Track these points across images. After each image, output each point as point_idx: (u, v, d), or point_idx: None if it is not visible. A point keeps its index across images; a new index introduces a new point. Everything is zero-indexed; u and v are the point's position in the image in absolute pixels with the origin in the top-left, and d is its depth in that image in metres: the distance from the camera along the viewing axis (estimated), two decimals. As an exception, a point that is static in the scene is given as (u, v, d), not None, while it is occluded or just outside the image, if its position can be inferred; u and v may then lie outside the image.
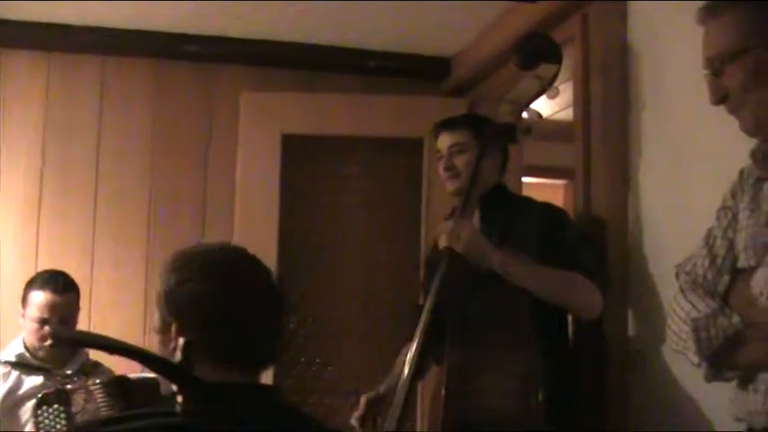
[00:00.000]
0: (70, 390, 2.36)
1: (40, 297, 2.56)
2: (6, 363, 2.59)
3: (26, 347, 2.61)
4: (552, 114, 3.43)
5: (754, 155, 1.43)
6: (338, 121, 3.17)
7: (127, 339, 1.19)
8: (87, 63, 3.22)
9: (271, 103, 3.18)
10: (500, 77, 2.97)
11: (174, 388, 1.17)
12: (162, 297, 1.22)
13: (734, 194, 1.46)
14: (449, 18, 2.94)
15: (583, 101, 2.33)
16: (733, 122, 1.42)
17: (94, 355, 2.64)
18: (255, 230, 3.07)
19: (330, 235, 3.26)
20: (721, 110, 1.43)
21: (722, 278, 1.43)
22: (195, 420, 1.10)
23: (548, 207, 2.16)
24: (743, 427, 1.41)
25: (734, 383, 1.41)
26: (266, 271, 1.26)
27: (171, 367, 1.14)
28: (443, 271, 1.94)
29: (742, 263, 1.40)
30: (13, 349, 2.62)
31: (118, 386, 2.34)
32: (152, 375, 2.25)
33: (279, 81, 3.28)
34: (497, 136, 2.07)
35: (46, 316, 2.55)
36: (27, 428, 2.47)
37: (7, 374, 2.58)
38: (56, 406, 2.33)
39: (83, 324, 2.81)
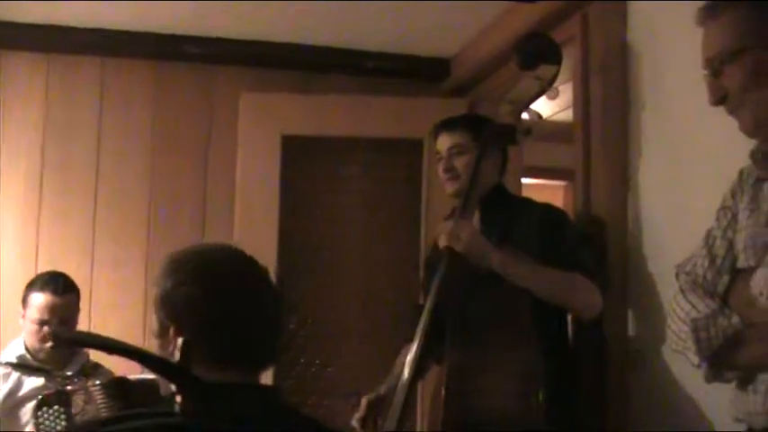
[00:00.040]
0: (70, 391, 2.36)
1: (40, 298, 2.56)
2: (7, 364, 2.60)
3: (26, 349, 2.61)
4: (552, 115, 3.42)
5: (753, 155, 1.43)
6: (338, 122, 3.17)
7: (127, 340, 1.18)
8: (87, 64, 3.22)
9: (270, 104, 3.18)
10: (499, 78, 2.97)
11: (173, 388, 1.17)
12: (158, 301, 1.21)
13: (733, 195, 1.46)
14: (448, 18, 2.94)
15: (582, 101, 2.33)
16: (732, 123, 1.42)
17: (95, 356, 2.64)
18: (255, 231, 3.07)
19: (330, 235, 3.26)
20: (721, 110, 1.43)
21: (722, 278, 1.43)
22: (194, 420, 1.10)
23: (547, 207, 2.16)
24: (743, 427, 1.40)
25: (733, 384, 1.41)
26: (263, 271, 1.25)
27: (170, 367, 1.14)
28: (443, 271, 1.94)
29: (741, 263, 1.40)
30: (14, 350, 2.62)
31: (118, 387, 2.34)
32: (152, 376, 2.26)
33: (278, 82, 3.28)
34: (497, 137, 2.07)
35: (46, 317, 2.55)
36: (27, 429, 2.47)
37: (7, 375, 2.58)
38: (56, 407, 2.34)
39: (83, 325, 2.81)
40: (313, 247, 3.24)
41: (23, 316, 2.60)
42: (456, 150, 2.16)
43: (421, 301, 2.17)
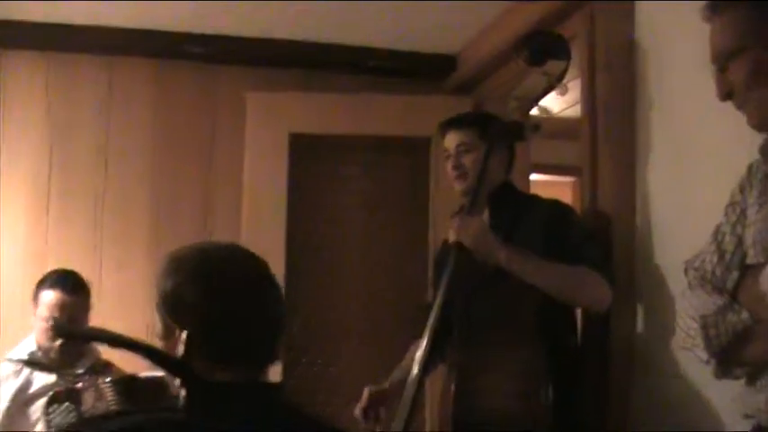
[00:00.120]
0: (81, 388, 2.37)
1: (49, 296, 2.58)
2: (18, 361, 2.61)
3: (37, 346, 2.62)
4: (559, 112, 3.42)
5: (762, 150, 1.43)
6: (343, 120, 3.17)
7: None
8: (89, 64, 3.22)
9: (278, 102, 3.18)
10: (505, 75, 2.97)
11: (178, 383, 1.17)
12: (160, 302, 1.21)
13: (742, 190, 1.46)
14: (453, 16, 2.93)
15: (589, 98, 2.32)
16: (740, 118, 1.42)
17: (105, 355, 2.65)
18: (263, 230, 3.08)
19: (334, 234, 3.27)
20: (728, 105, 1.42)
21: (731, 274, 1.42)
22: (196, 417, 1.10)
23: (555, 204, 2.16)
24: (751, 424, 1.40)
25: (742, 380, 1.40)
26: (264, 268, 1.24)
27: (173, 361, 1.13)
28: (452, 266, 1.95)
29: (751, 259, 1.40)
30: (25, 348, 2.64)
31: (127, 385, 2.34)
32: (161, 374, 2.26)
33: (281, 81, 3.28)
34: (504, 134, 2.07)
35: (55, 315, 2.56)
36: (38, 427, 2.49)
37: (18, 372, 2.60)
38: (66, 404, 2.34)
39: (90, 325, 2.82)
40: (318, 246, 3.24)
41: (34, 314, 2.61)
42: (464, 148, 2.16)
43: (430, 299, 2.18)
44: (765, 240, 1.36)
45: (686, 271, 1.51)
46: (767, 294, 1.34)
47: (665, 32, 2.11)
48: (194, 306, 1.18)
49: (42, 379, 2.59)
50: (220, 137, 3.28)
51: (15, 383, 2.58)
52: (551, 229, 2.05)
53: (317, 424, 1.21)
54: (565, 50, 2.03)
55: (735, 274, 1.42)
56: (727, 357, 1.37)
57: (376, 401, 2.16)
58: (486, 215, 2.11)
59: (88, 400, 2.34)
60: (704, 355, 1.39)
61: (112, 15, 3.04)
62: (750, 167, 1.46)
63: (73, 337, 2.51)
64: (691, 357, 1.45)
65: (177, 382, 1.15)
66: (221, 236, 3.13)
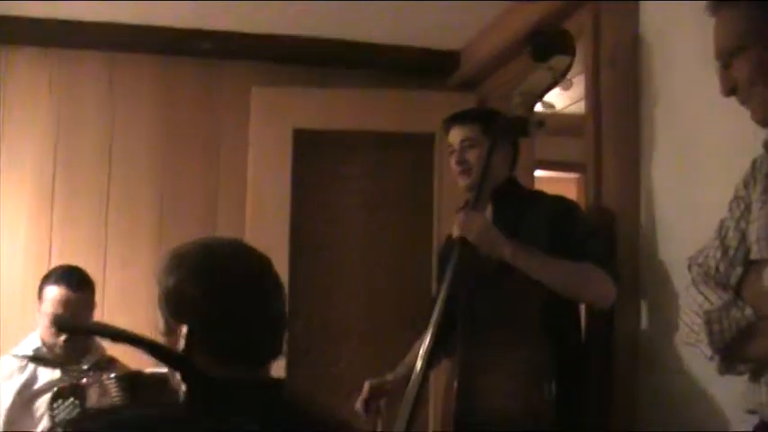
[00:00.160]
0: (85, 384, 2.38)
1: (54, 292, 2.58)
2: (23, 357, 2.62)
3: (42, 342, 2.63)
4: (564, 108, 3.41)
5: (766, 145, 1.42)
6: (348, 115, 3.17)
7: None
8: (94, 60, 3.22)
9: (282, 98, 3.19)
10: (509, 72, 2.96)
11: (178, 377, 1.16)
12: (162, 298, 1.20)
13: (746, 185, 1.46)
14: (457, 12, 2.93)
15: (593, 94, 2.32)
16: (744, 114, 1.42)
17: (110, 351, 2.66)
18: (267, 226, 3.08)
19: (341, 229, 3.26)
20: (733, 101, 1.42)
21: (735, 270, 1.42)
22: (197, 411, 1.10)
23: (559, 199, 2.16)
24: (755, 419, 1.40)
25: (746, 376, 1.40)
26: (266, 263, 1.24)
27: (174, 356, 1.13)
28: (455, 262, 1.95)
29: (755, 254, 1.39)
30: (30, 344, 2.65)
31: (132, 381, 2.35)
32: (166, 370, 2.27)
33: (287, 76, 3.28)
34: (508, 129, 2.07)
35: (60, 311, 2.57)
36: (42, 422, 2.50)
37: (23, 368, 2.61)
38: (71, 400, 2.35)
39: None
40: (321, 242, 3.24)
41: (39, 309, 2.62)
42: (468, 143, 2.16)
43: (435, 294, 2.18)
44: (769, 236, 1.36)
45: (690, 267, 1.51)
46: (771, 290, 1.34)
47: (670, 29, 2.10)
48: (197, 302, 1.17)
49: (47, 375, 2.60)
50: (225, 133, 3.28)
51: (20, 379, 2.59)
52: (556, 225, 2.05)
53: (319, 419, 1.21)
54: (570, 46, 2.03)
55: (738, 270, 1.41)
56: (731, 353, 1.37)
57: (376, 394, 2.17)
58: (489, 211, 2.11)
59: (93, 395, 2.35)
60: (708, 351, 1.39)
61: (116, 12, 3.04)
62: (754, 163, 1.46)
63: (73, 331, 2.51)
64: (695, 353, 1.45)
65: (178, 376, 1.14)
66: (226, 232, 3.13)
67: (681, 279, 1.70)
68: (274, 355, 1.23)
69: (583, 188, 3.62)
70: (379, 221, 3.26)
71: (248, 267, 1.22)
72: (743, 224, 1.43)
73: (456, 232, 1.98)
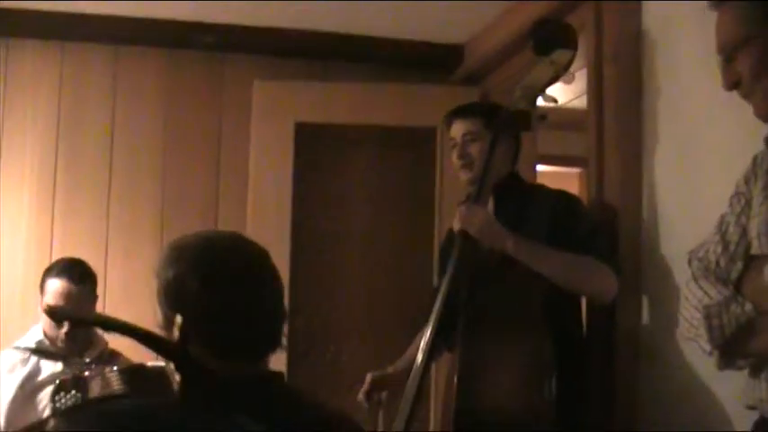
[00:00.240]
0: (88, 377, 2.38)
1: (56, 285, 2.59)
2: (25, 349, 2.63)
3: (45, 335, 2.64)
4: (566, 102, 3.41)
5: (767, 140, 1.42)
6: (350, 109, 3.17)
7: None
8: (97, 53, 3.22)
9: (283, 91, 3.18)
10: (513, 66, 2.96)
11: (173, 367, 1.16)
12: (160, 292, 1.20)
13: (747, 180, 1.45)
14: (461, 6, 2.92)
15: (596, 88, 2.31)
16: (747, 109, 1.42)
17: (113, 344, 2.66)
18: (268, 219, 3.08)
19: (342, 222, 3.26)
20: (735, 96, 1.42)
21: (735, 265, 1.42)
22: (192, 402, 1.10)
23: (561, 194, 2.16)
24: (755, 415, 1.40)
25: (746, 372, 1.40)
26: (265, 256, 1.24)
27: (169, 346, 1.13)
28: (456, 255, 1.95)
29: (755, 250, 1.39)
30: (33, 336, 2.66)
31: (135, 374, 2.35)
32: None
33: (290, 70, 3.28)
34: (510, 123, 2.06)
35: (61, 304, 2.57)
36: (45, 414, 2.50)
37: (26, 360, 2.62)
38: (73, 392, 2.35)
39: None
40: (322, 235, 3.24)
41: (41, 302, 2.63)
42: (470, 137, 2.16)
43: (435, 287, 2.18)
44: (770, 231, 1.36)
45: (690, 261, 1.51)
46: (771, 285, 1.34)
47: (672, 24, 2.09)
48: (196, 294, 1.17)
49: (50, 367, 2.61)
50: (226, 126, 3.28)
51: (23, 372, 2.60)
52: (557, 220, 2.05)
53: (317, 412, 1.21)
54: (572, 40, 2.02)
55: (739, 265, 1.41)
56: (731, 349, 1.37)
57: (378, 386, 2.17)
58: (491, 205, 2.11)
59: (95, 388, 2.35)
60: (707, 347, 1.38)
61: (119, 5, 3.04)
62: (755, 159, 1.46)
63: (66, 321, 2.51)
64: (696, 348, 1.45)
65: (172, 366, 1.14)
66: (227, 224, 3.14)
67: (682, 274, 1.70)
68: (273, 348, 1.23)
69: (585, 183, 3.62)
70: (380, 215, 3.26)
71: (247, 260, 1.23)
72: (743, 219, 1.43)
73: (457, 226, 1.98)
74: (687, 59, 2.02)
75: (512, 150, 2.18)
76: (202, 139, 3.28)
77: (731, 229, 1.44)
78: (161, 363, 2.33)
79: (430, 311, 1.97)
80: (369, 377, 2.19)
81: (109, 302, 2.98)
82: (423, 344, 1.94)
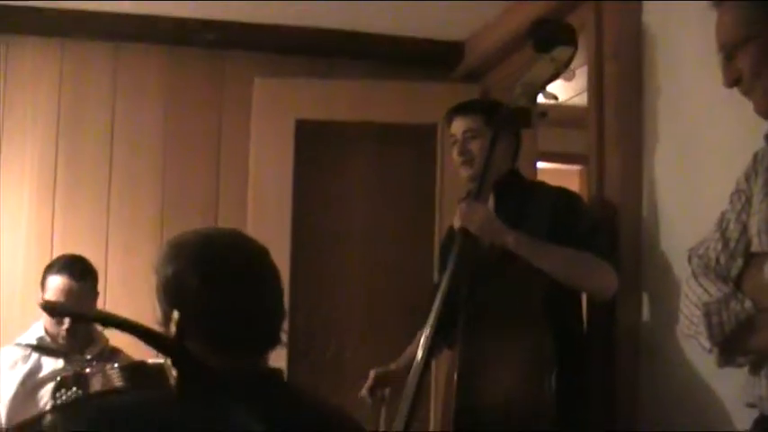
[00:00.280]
0: (88, 374, 2.39)
1: (56, 282, 2.59)
2: (27, 346, 2.63)
3: (46, 332, 2.64)
4: (567, 100, 3.41)
5: (768, 137, 1.42)
6: (351, 106, 3.17)
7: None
8: (99, 50, 3.22)
9: (284, 89, 3.18)
10: (514, 63, 2.96)
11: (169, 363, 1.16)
12: (159, 288, 1.20)
13: (747, 178, 1.45)
14: (462, 3, 2.92)
15: (596, 86, 2.31)
16: (747, 106, 1.41)
17: (114, 341, 2.67)
18: (268, 216, 3.09)
19: (343, 219, 3.26)
20: (736, 93, 1.42)
21: (735, 262, 1.42)
22: (189, 397, 1.10)
23: (561, 191, 2.16)
24: (755, 413, 1.40)
25: (746, 369, 1.40)
26: (264, 253, 1.24)
27: (165, 342, 1.13)
28: (457, 252, 1.95)
29: (755, 247, 1.39)
30: (34, 333, 2.66)
31: (135, 371, 2.36)
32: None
33: (291, 67, 3.28)
34: (511, 120, 2.06)
35: (62, 301, 2.57)
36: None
37: (27, 357, 2.62)
38: (74, 389, 2.36)
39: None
40: (323, 232, 3.24)
41: (42, 299, 2.63)
42: (470, 134, 2.16)
43: (436, 284, 2.18)
44: (770, 229, 1.36)
45: (690, 258, 1.50)
46: (771, 283, 1.34)
47: (673, 21, 2.09)
48: (195, 291, 1.17)
49: (51, 364, 2.61)
50: (227, 123, 3.28)
51: (24, 368, 2.60)
52: (557, 217, 2.05)
53: (317, 408, 1.21)
54: (572, 37, 2.02)
55: (739, 262, 1.41)
56: (730, 346, 1.37)
57: (381, 383, 2.18)
58: (491, 202, 2.11)
59: (96, 385, 2.35)
60: (706, 344, 1.38)
61: (119, 2, 3.03)
62: (755, 156, 1.45)
63: (63, 316, 2.52)
64: (696, 346, 1.45)
65: (169, 362, 1.14)
66: (227, 222, 3.14)
67: (682, 271, 1.70)
68: (272, 345, 1.23)
69: (585, 180, 3.62)
70: (381, 212, 3.26)
71: (247, 257, 1.22)
72: (744, 217, 1.43)
73: (458, 223, 1.99)
74: (687, 57, 2.02)
75: (512, 147, 2.18)
76: (203, 135, 3.27)
77: (731, 226, 1.44)
78: (162, 360, 2.33)
79: (430, 308, 1.97)
80: (372, 374, 2.19)
81: (109, 299, 2.98)
82: (422, 339, 1.94)
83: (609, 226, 2.17)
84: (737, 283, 1.40)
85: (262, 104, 3.17)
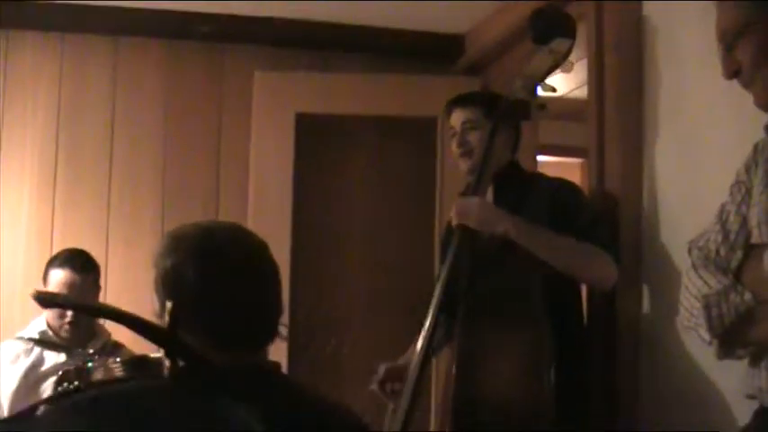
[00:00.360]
0: (90, 368, 2.39)
1: (59, 275, 2.60)
2: (29, 339, 2.64)
3: (48, 325, 2.65)
4: (568, 92, 3.40)
5: (767, 128, 1.41)
6: (351, 100, 3.16)
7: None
8: (99, 44, 3.22)
9: (284, 82, 3.18)
10: (514, 57, 2.95)
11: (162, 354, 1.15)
12: (158, 280, 1.20)
13: (748, 169, 1.45)
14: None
15: (597, 78, 2.31)
16: (747, 98, 1.41)
17: (116, 336, 2.67)
18: (269, 207, 3.09)
19: (343, 213, 3.26)
20: (736, 86, 1.41)
21: (735, 254, 1.41)
22: (180, 387, 1.09)
23: (561, 182, 2.16)
24: (755, 404, 1.40)
25: (746, 361, 1.40)
26: (263, 248, 1.24)
27: (158, 332, 1.12)
28: (455, 246, 1.95)
29: (755, 239, 1.38)
30: (36, 326, 2.67)
31: (137, 365, 2.36)
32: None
33: (290, 60, 3.28)
34: (510, 112, 2.06)
35: (64, 293, 2.58)
36: (47, 406, 2.51)
37: (29, 351, 2.63)
38: (76, 383, 2.37)
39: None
40: (323, 225, 3.24)
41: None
42: (469, 125, 2.16)
43: (437, 278, 2.18)
44: (770, 220, 1.35)
45: (690, 250, 1.50)
46: (771, 274, 1.33)
47: (674, 12, 2.08)
48: (194, 284, 1.17)
49: (53, 358, 2.62)
50: (227, 117, 3.28)
51: (26, 362, 2.61)
52: (557, 208, 2.04)
53: (316, 401, 1.21)
54: (571, 28, 2.01)
55: (739, 254, 1.41)
56: (730, 338, 1.37)
57: (392, 377, 2.17)
58: (490, 194, 2.11)
59: (98, 379, 2.36)
60: (706, 336, 1.38)
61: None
62: (756, 147, 1.45)
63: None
64: (696, 338, 1.45)
65: (161, 353, 1.14)
66: (228, 215, 3.14)
67: (683, 263, 1.69)
68: (269, 339, 1.23)
69: (587, 173, 3.61)
70: (381, 205, 3.26)
71: (246, 251, 1.22)
72: (744, 208, 1.43)
73: (455, 220, 1.98)
74: (688, 49, 2.01)
75: (511, 140, 2.18)
76: (203, 129, 3.27)
77: (731, 218, 1.44)
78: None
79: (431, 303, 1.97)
80: (382, 368, 2.18)
81: (110, 293, 2.98)
82: (422, 333, 1.94)
83: (609, 218, 2.16)
84: (737, 275, 1.40)
85: (262, 98, 3.16)
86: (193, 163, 3.26)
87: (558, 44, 1.97)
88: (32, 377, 2.59)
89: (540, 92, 2.04)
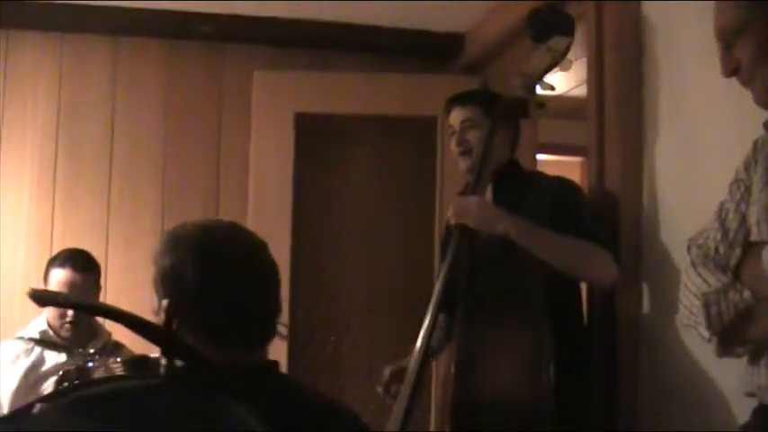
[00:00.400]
0: (91, 368, 2.39)
1: (59, 275, 2.60)
2: (29, 339, 2.64)
3: (49, 325, 2.65)
4: (568, 91, 3.40)
5: (767, 126, 1.41)
6: (351, 99, 3.17)
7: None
8: (98, 44, 3.22)
9: (284, 82, 3.19)
10: (514, 55, 2.94)
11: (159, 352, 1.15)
12: (157, 279, 1.20)
13: (747, 167, 1.45)
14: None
15: (596, 77, 2.31)
16: (747, 96, 1.41)
17: (116, 336, 2.67)
18: (269, 207, 3.09)
19: (343, 213, 3.27)
20: (735, 84, 1.41)
21: (734, 252, 1.41)
22: (179, 382, 1.09)
23: (561, 180, 2.16)
24: (754, 402, 1.40)
25: (745, 359, 1.40)
26: (262, 246, 1.24)
27: (155, 330, 1.12)
28: (454, 246, 1.95)
29: (754, 236, 1.38)
30: (36, 326, 2.67)
31: (137, 365, 2.36)
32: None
33: (290, 60, 3.28)
34: (509, 110, 2.06)
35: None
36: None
37: (30, 350, 2.63)
38: (76, 383, 2.37)
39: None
40: (323, 225, 3.25)
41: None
42: (468, 124, 2.16)
43: (437, 277, 2.18)
44: (769, 218, 1.35)
45: (689, 248, 1.50)
46: (770, 272, 1.33)
47: (674, 11, 2.08)
48: (193, 282, 1.17)
49: (53, 358, 2.62)
50: (227, 116, 3.29)
51: (26, 362, 2.61)
52: (557, 206, 2.04)
53: (315, 399, 1.21)
54: (569, 26, 2.01)
55: (738, 252, 1.41)
56: (729, 336, 1.37)
57: (396, 378, 2.17)
58: (490, 193, 2.10)
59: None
60: (705, 334, 1.38)
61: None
62: (755, 144, 1.45)
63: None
64: (696, 336, 1.45)
65: (159, 351, 1.13)
66: (228, 215, 3.14)
67: (682, 261, 1.69)
68: (268, 338, 1.23)
69: (587, 172, 3.61)
70: (381, 205, 3.26)
71: (246, 250, 1.22)
72: (743, 206, 1.43)
73: (453, 220, 1.98)
74: (688, 47, 2.01)
75: (511, 138, 2.17)
76: (202, 129, 3.28)
77: (730, 215, 1.44)
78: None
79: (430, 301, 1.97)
80: (387, 370, 2.18)
81: (110, 292, 2.99)
82: (422, 332, 1.94)
83: (609, 217, 2.16)
84: (736, 273, 1.40)
85: (261, 97, 3.17)
86: (193, 162, 3.26)
87: (557, 42, 1.97)
88: (33, 377, 2.59)
89: (539, 90, 2.03)
